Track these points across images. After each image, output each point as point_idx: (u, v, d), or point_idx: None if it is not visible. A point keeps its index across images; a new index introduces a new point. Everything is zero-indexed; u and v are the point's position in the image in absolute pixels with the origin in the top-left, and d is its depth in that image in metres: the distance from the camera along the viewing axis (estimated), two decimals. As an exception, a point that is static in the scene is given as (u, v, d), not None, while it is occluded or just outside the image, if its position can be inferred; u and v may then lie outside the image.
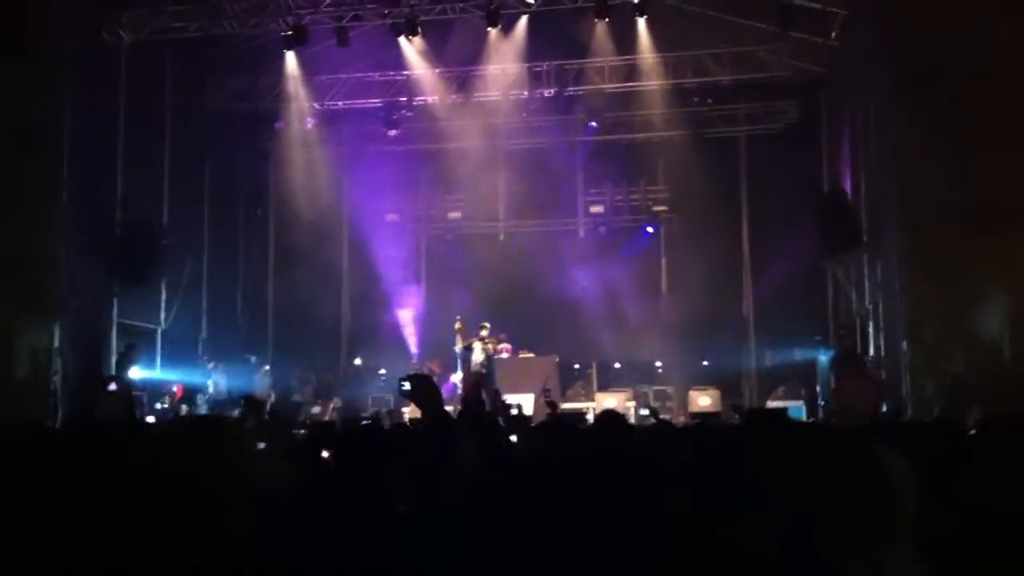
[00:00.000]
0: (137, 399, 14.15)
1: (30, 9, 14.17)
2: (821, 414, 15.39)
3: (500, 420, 9.26)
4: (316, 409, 16.41)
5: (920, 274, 13.91)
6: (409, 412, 13.94)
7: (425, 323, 20.40)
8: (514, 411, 12.19)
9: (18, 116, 13.97)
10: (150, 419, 13.13)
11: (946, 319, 13.85)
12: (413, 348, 19.96)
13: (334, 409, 16.48)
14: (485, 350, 16.29)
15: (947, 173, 13.09)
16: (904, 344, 14.17)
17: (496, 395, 14.66)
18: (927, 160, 13.42)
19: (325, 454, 4.80)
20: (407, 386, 4.15)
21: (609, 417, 5.16)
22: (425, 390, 4.18)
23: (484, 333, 16.48)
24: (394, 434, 5.54)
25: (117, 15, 16.09)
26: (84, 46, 15.14)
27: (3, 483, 2.93)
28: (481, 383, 14.62)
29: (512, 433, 7.59)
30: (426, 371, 18.07)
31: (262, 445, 7.16)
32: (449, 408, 4.98)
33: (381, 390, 17.46)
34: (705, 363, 18.51)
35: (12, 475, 2.98)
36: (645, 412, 15.01)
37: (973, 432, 7.90)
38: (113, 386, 13.81)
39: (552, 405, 11.92)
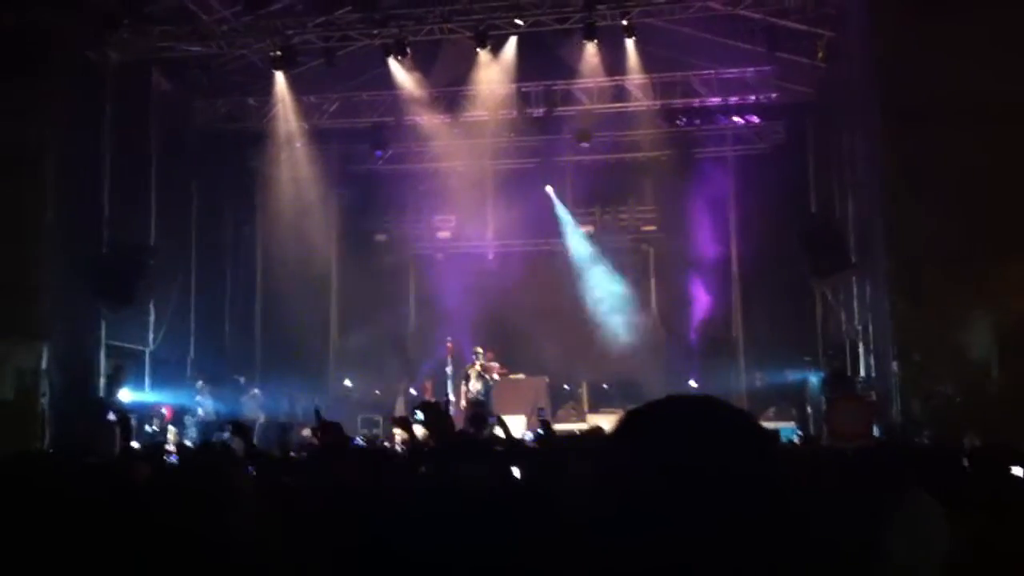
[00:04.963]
0: (127, 421, 14.04)
1: (18, 32, 14.10)
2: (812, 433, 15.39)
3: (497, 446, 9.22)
4: (306, 431, 16.28)
5: (908, 297, 14.00)
6: (399, 435, 13.83)
7: (414, 344, 20.37)
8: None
9: (3, 137, 13.90)
10: (135, 444, 13.00)
11: (935, 341, 13.92)
12: (403, 369, 19.89)
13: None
14: (482, 377, 16.24)
15: (934, 203, 13.19)
16: (894, 365, 14.23)
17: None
18: (913, 189, 13.53)
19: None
20: (420, 415, 4.21)
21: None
22: (437, 420, 4.22)
23: (479, 362, 16.44)
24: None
25: (104, 36, 15.99)
26: (71, 67, 15.05)
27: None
28: (480, 416, 14.52)
29: (511, 460, 7.53)
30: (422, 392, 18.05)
31: (251, 469, 7.11)
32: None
33: (371, 411, 17.36)
34: (693, 384, 18.52)
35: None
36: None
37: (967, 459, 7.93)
38: (112, 415, 13.62)
39: (546, 424, 11.85)
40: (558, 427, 13.81)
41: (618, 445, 1.34)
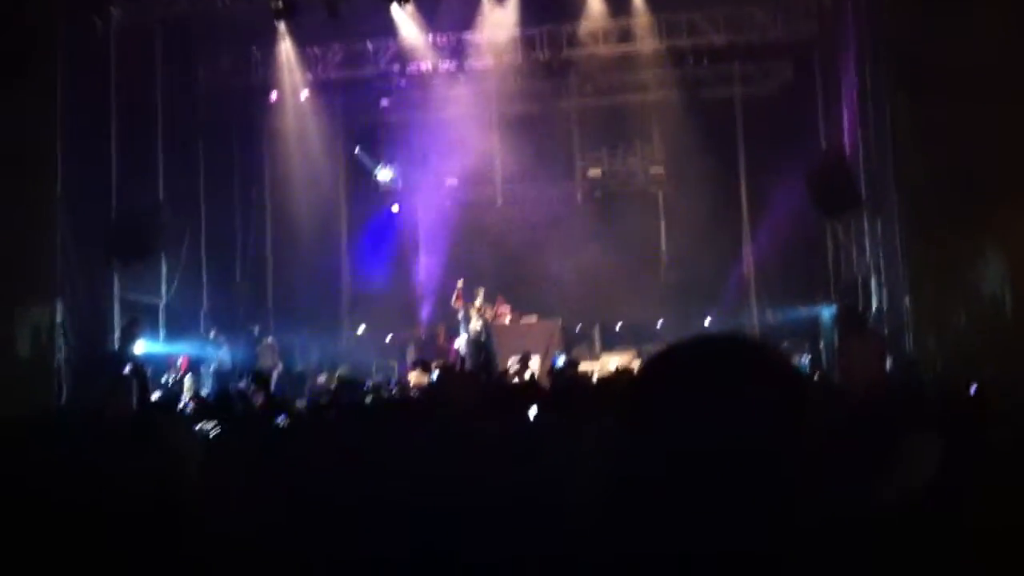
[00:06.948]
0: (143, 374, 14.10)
1: None
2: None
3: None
4: (321, 379, 16.40)
5: (920, 230, 13.96)
6: (414, 379, 13.96)
7: (427, 289, 20.41)
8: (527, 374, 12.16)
9: (12, 101, 13.89)
10: (156, 395, 13.12)
11: (947, 275, 13.89)
12: (416, 315, 19.99)
13: (339, 378, 16.48)
14: (482, 317, 16.40)
15: (944, 136, 13.09)
16: (906, 300, 14.22)
17: (491, 364, 14.70)
18: (923, 122, 13.42)
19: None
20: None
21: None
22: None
23: (478, 302, 16.60)
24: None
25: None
26: (75, 29, 15.00)
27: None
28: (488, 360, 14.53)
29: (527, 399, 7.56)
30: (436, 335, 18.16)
31: (281, 419, 7.18)
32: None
33: (385, 356, 17.47)
34: (708, 322, 18.53)
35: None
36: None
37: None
38: (127, 369, 13.66)
39: (572, 364, 11.95)
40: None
41: (641, 398, 1.31)
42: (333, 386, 13.95)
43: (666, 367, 1.32)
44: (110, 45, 16.03)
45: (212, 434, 5.71)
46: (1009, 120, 12.81)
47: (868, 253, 16.11)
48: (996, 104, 12.82)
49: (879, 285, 15.45)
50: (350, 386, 10.75)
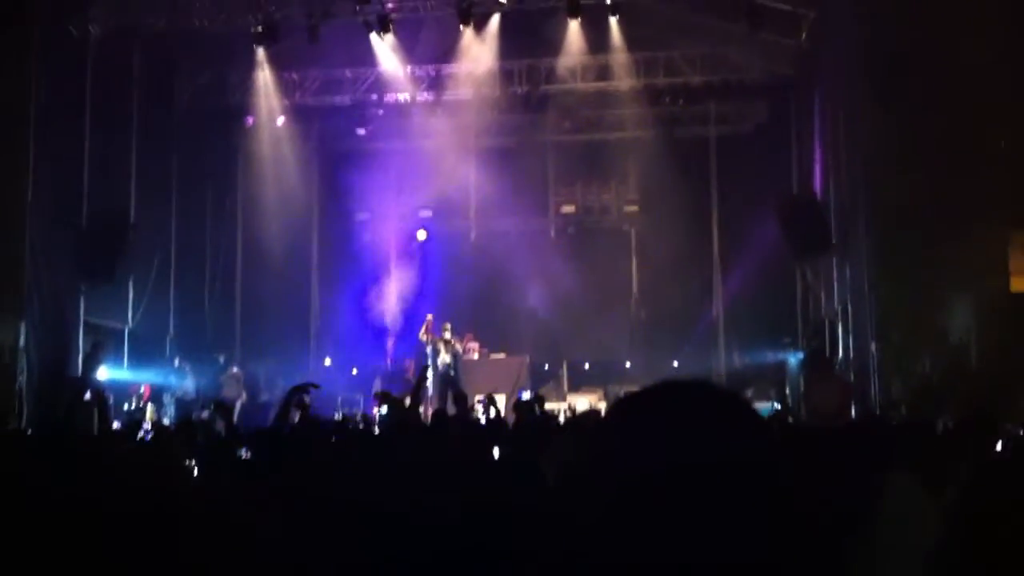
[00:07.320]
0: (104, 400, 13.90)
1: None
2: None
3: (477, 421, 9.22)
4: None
5: (888, 275, 14.07)
6: (379, 413, 13.85)
7: (396, 322, 20.28)
8: (492, 412, 12.08)
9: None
10: (116, 424, 12.92)
11: (913, 320, 14.01)
12: (384, 348, 19.85)
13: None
14: (451, 351, 16.35)
15: (915, 176, 13.24)
16: (872, 345, 14.29)
17: (463, 399, 14.56)
18: (895, 163, 13.58)
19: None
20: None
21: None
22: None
23: (447, 335, 16.56)
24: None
25: (84, 7, 15.83)
26: (50, 39, 14.89)
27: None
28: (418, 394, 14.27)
29: (491, 438, 7.50)
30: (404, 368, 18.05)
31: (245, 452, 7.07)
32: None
33: (351, 390, 17.32)
34: (675, 364, 18.57)
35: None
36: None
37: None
38: (89, 394, 13.42)
39: (539, 401, 11.89)
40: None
41: (612, 431, 1.29)
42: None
43: (632, 414, 1.30)
44: (87, 57, 15.94)
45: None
46: (974, 165, 12.99)
47: (836, 298, 16.21)
48: (965, 151, 13.01)
49: (846, 330, 15.54)
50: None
